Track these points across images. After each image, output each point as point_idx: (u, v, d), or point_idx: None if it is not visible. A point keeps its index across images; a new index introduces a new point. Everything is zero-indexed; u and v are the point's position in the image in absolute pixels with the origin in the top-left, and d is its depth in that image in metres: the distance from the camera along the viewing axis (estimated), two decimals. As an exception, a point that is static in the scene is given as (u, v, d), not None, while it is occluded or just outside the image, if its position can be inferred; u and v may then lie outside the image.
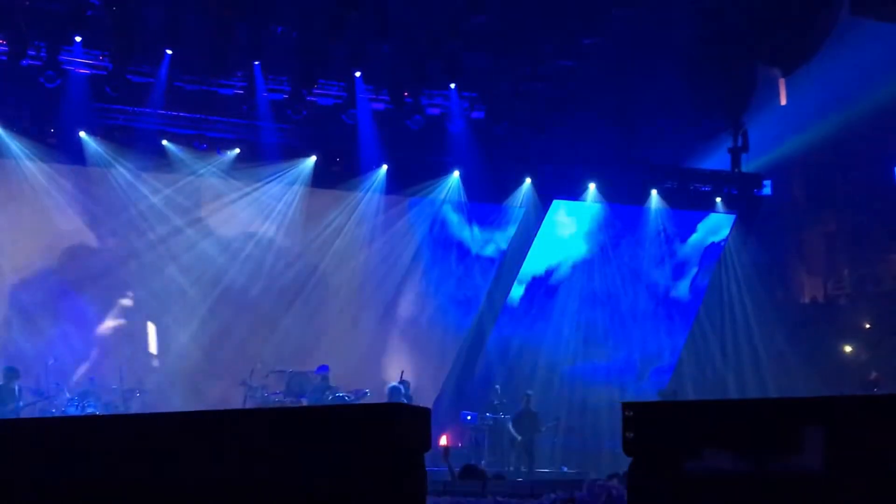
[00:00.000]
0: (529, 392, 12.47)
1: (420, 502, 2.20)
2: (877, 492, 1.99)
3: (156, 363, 12.30)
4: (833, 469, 2.03)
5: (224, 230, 12.72)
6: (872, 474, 2.00)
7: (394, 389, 11.63)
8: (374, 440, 2.13)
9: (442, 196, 13.44)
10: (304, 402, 11.32)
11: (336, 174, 13.02)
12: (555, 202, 13.95)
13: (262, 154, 12.58)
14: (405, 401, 10.93)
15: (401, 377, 12.00)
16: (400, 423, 2.17)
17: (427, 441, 2.22)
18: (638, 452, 2.27)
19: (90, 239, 12.13)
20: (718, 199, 14.48)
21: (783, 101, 13.75)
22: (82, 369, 11.59)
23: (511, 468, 11.74)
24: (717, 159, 14.22)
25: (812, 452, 2.05)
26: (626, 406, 2.31)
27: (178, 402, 12.01)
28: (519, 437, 11.96)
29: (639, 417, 2.29)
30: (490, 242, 13.92)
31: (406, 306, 13.42)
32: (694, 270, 14.84)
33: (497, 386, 12.66)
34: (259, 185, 12.75)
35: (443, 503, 3.92)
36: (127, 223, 12.28)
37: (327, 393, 11.67)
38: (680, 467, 2.19)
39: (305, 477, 2.18)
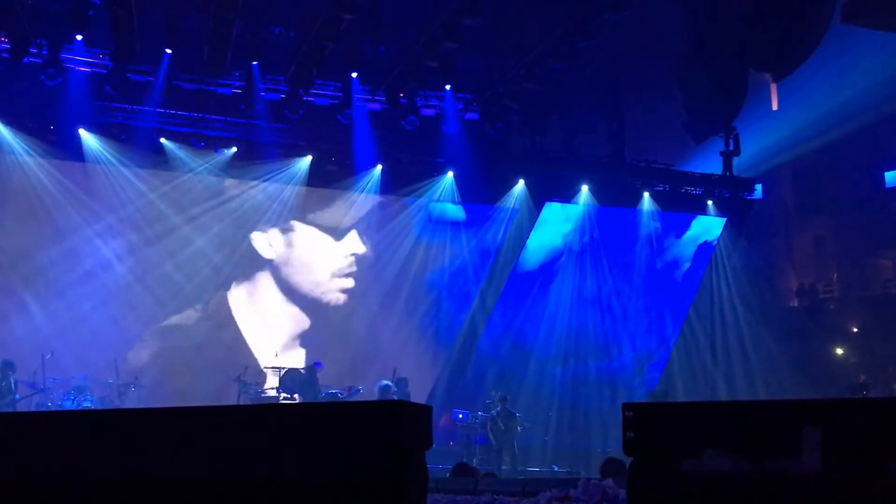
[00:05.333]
0: (505, 394, 12.48)
1: (421, 500, 2.21)
2: (873, 493, 2.02)
3: (151, 358, 12.40)
4: (830, 470, 2.05)
5: (220, 228, 12.84)
6: (868, 476, 2.03)
7: (384, 387, 11.71)
8: (375, 437, 2.14)
9: (436, 196, 13.57)
10: (298, 399, 11.42)
11: (332, 173, 13.15)
12: (547, 203, 14.10)
13: (259, 153, 12.71)
14: (396, 398, 11.02)
15: (393, 375, 12.10)
16: (401, 420, 2.16)
17: (428, 439, 2.23)
18: (638, 452, 2.29)
19: (87, 235, 12.24)
20: (710, 202, 14.64)
21: (775, 107, 13.89)
22: (78, 364, 11.67)
23: (503, 467, 11.80)
24: (709, 163, 14.37)
25: (810, 454, 2.07)
26: (627, 407, 2.32)
27: (172, 398, 12.13)
28: (495, 441, 11.96)
29: (639, 418, 2.30)
30: (483, 243, 14.06)
31: (399, 305, 13.53)
32: (686, 266, 14.99)
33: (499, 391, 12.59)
34: (255, 183, 12.88)
35: (440, 501, 3.94)
36: (124, 220, 12.41)
37: (320, 389, 11.78)
38: (680, 467, 2.20)
39: (306, 473, 2.18)
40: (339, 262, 13.30)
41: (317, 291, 13.13)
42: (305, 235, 13.23)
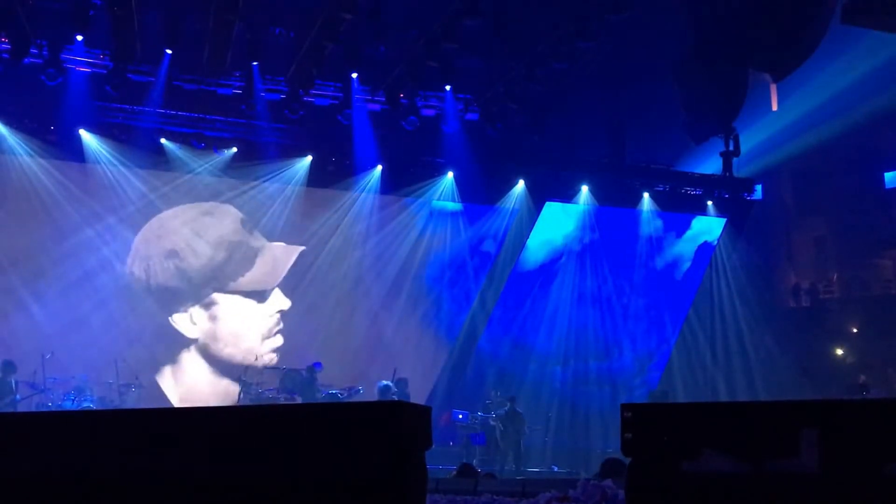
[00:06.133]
0: (513, 395, 12.49)
1: (421, 500, 2.22)
2: (872, 494, 2.01)
3: (151, 358, 12.40)
4: (830, 470, 2.05)
5: (220, 228, 12.84)
6: (867, 476, 2.02)
7: (384, 388, 11.72)
8: (375, 438, 2.15)
9: (436, 196, 13.60)
10: (298, 399, 11.42)
11: (332, 174, 13.17)
12: (547, 203, 14.11)
13: (259, 153, 12.73)
14: (396, 399, 11.03)
15: (394, 375, 12.10)
16: (401, 420, 2.17)
17: (428, 439, 2.24)
18: (637, 453, 2.29)
19: (87, 235, 12.24)
20: (710, 203, 14.65)
21: (774, 107, 13.89)
22: (78, 364, 11.66)
23: (506, 467, 11.80)
24: (709, 163, 14.39)
25: (808, 454, 2.06)
26: (625, 407, 2.31)
27: (173, 398, 12.15)
28: (501, 442, 11.95)
29: (638, 419, 2.30)
30: (483, 243, 14.07)
31: (399, 305, 13.54)
32: (686, 266, 15.00)
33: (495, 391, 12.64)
34: (255, 183, 12.90)
35: (440, 501, 3.93)
36: (124, 220, 12.41)
37: (320, 389, 11.79)
38: (678, 468, 2.19)
39: (306, 474, 2.19)
40: (338, 262, 13.25)
41: (317, 291, 13.09)
42: (305, 236, 13.18)
